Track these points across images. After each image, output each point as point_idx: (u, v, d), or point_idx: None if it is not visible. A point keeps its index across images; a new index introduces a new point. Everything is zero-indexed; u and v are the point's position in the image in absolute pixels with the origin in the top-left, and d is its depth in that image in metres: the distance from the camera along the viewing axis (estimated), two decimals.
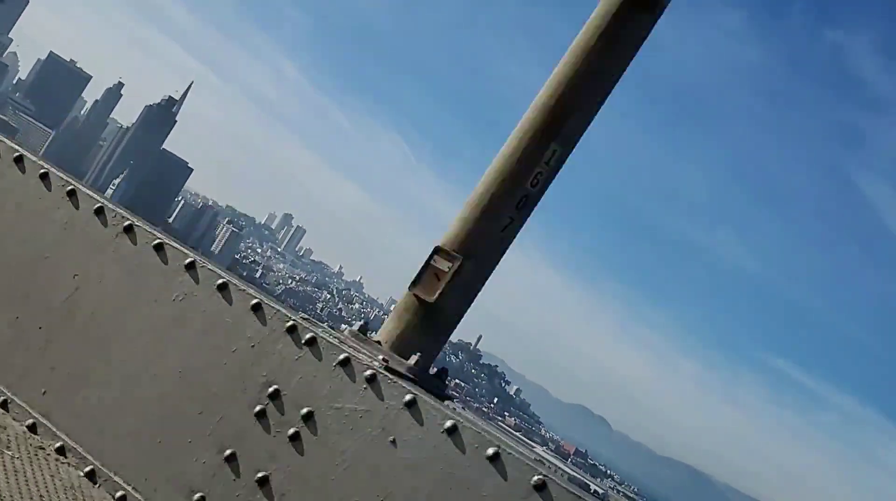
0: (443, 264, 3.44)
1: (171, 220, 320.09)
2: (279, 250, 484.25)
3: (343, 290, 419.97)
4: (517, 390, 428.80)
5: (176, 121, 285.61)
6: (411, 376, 2.92)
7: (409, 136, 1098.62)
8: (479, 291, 3.48)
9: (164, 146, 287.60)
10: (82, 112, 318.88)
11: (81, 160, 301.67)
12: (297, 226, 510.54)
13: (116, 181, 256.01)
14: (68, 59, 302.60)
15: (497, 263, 3.51)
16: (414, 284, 3.66)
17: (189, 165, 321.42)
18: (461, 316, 3.54)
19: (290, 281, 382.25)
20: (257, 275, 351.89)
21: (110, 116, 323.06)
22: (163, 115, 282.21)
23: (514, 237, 3.55)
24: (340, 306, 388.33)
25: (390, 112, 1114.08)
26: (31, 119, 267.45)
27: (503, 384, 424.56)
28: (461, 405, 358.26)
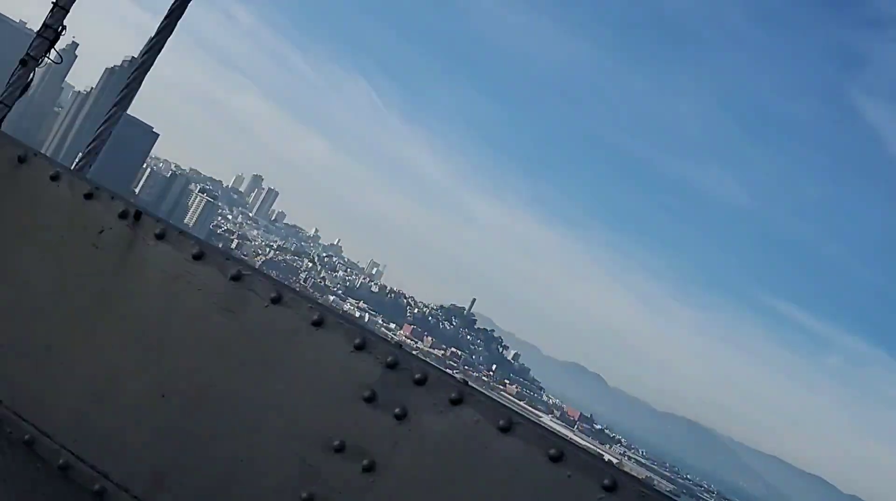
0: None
1: (137, 190, 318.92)
2: (251, 215, 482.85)
3: (324, 256, 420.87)
4: (515, 354, 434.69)
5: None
6: None
7: (375, 80, 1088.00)
8: None
9: (128, 111, 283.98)
10: (30, 77, 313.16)
11: (37, 130, 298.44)
12: (269, 188, 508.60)
13: (81, 154, 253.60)
14: (17, 21, 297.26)
15: None
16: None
17: (154, 129, 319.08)
18: None
19: (268, 251, 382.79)
20: (233, 246, 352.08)
21: (65, 80, 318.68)
22: (124, 76, 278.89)
23: None
24: (324, 274, 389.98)
25: (354, 55, 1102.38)
26: None
27: (500, 350, 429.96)
28: (461, 376, 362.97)
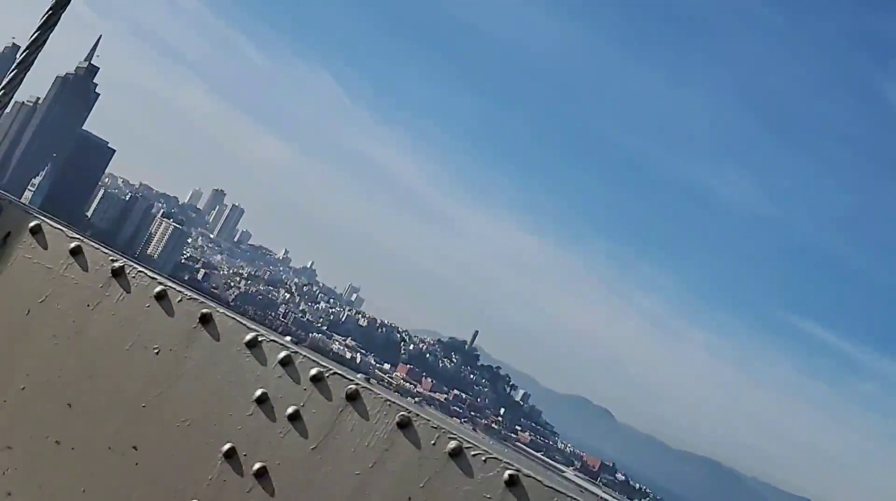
0: None
1: (89, 215, 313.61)
2: (212, 236, 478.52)
3: (303, 285, 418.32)
4: (524, 395, 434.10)
5: (98, 93, 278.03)
6: None
7: (340, 72, 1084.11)
8: None
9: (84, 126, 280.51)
10: None
11: None
12: (232, 204, 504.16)
13: (36, 181, 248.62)
14: None
15: None
16: None
17: (110, 145, 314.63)
18: None
19: (239, 281, 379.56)
20: (199, 277, 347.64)
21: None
22: (80, 86, 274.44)
23: None
24: (303, 306, 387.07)
25: (314, 43, 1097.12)
26: None
27: (508, 390, 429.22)
28: (470, 425, 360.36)
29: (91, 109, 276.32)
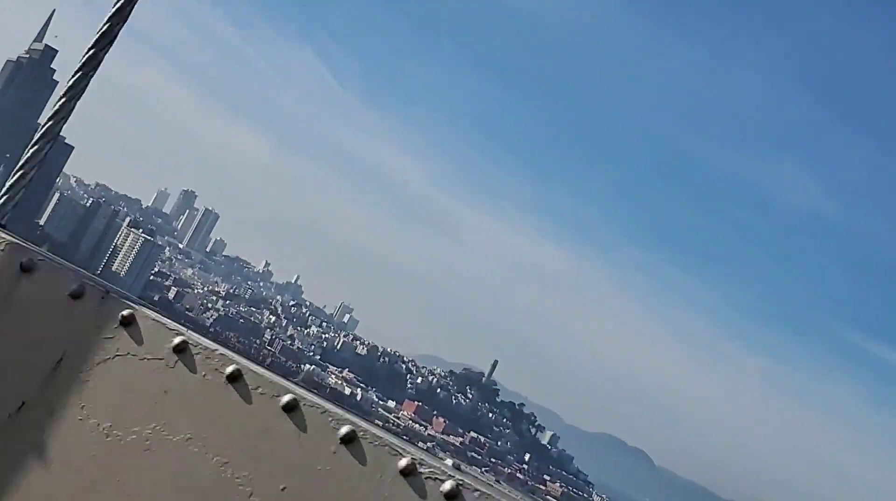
0: None
1: (42, 222, 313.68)
2: (181, 245, 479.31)
3: (290, 306, 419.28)
4: (552, 437, 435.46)
5: (56, 80, 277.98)
6: None
7: (326, 51, 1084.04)
8: None
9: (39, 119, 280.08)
10: None
11: None
12: (205, 209, 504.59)
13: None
14: None
15: None
16: None
17: (67, 141, 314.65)
18: None
19: (216, 302, 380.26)
20: (171, 296, 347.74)
21: None
22: (35, 71, 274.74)
23: None
24: (291, 331, 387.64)
25: (296, 17, 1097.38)
26: None
27: (533, 431, 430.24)
28: (493, 476, 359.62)
29: (48, 99, 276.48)
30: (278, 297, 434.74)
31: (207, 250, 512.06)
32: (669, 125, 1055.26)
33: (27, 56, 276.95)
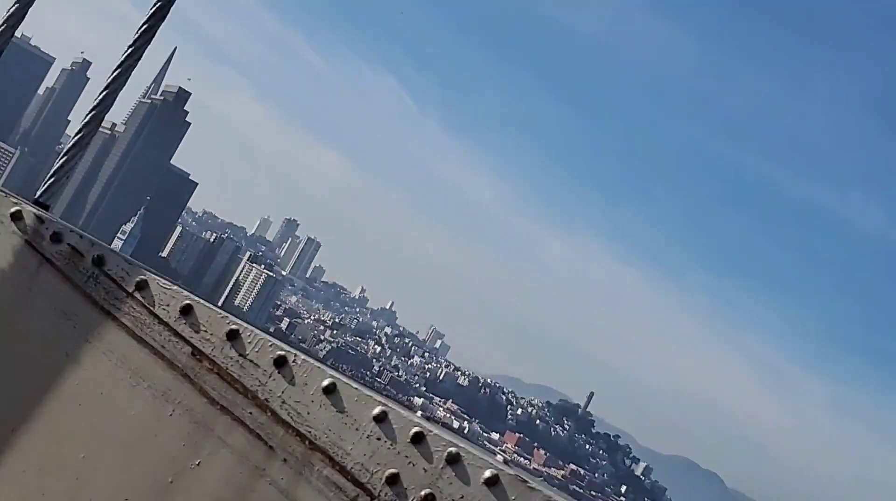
0: None
1: (165, 254, 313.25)
2: (283, 273, 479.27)
3: (394, 336, 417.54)
4: (646, 468, 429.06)
5: (189, 122, 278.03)
6: None
7: (407, 77, 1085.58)
8: None
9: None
10: (27, 110, 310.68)
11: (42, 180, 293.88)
12: (308, 238, 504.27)
13: (127, 227, 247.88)
14: (18, 35, 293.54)
15: None
16: None
17: (191, 177, 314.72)
18: None
19: (324, 330, 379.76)
20: (284, 326, 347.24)
21: (72, 112, 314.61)
22: (169, 114, 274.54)
23: None
24: (395, 361, 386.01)
25: (378, 45, 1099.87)
26: None
27: (628, 463, 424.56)
28: None
29: (181, 140, 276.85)
30: (387, 329, 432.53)
31: (307, 276, 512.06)
32: (742, 152, 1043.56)
33: (161, 98, 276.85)
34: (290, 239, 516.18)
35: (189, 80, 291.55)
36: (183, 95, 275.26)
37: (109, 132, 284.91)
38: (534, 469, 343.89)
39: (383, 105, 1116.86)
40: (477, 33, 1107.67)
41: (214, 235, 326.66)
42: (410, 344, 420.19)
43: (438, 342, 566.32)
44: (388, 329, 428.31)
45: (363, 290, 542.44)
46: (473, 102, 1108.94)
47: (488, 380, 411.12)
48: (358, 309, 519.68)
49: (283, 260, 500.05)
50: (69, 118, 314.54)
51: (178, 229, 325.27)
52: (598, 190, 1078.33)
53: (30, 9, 3.60)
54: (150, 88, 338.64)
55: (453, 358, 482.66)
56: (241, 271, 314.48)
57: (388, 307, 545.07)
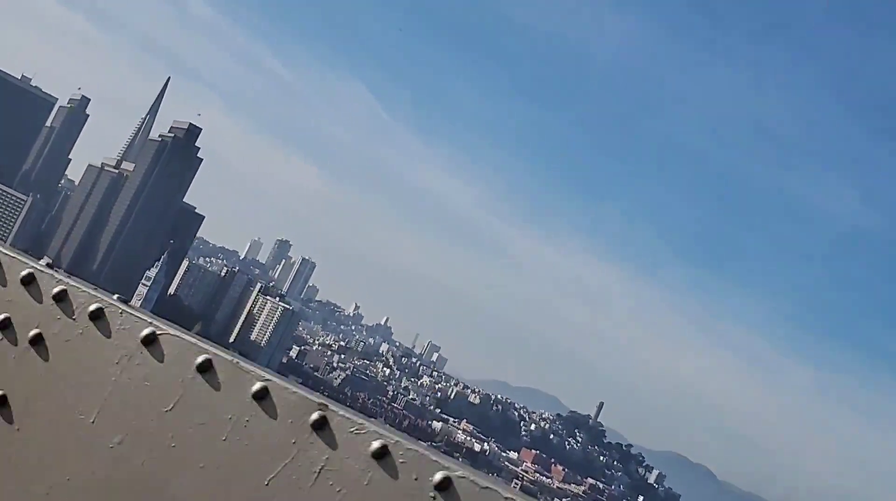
0: None
1: (172, 290, 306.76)
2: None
3: (401, 357, 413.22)
4: (659, 476, 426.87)
5: (200, 159, 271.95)
6: None
7: (375, 83, 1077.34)
8: None
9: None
10: (31, 151, 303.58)
11: (52, 226, 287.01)
12: (302, 258, 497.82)
13: (151, 273, 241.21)
14: (20, 77, 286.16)
15: None
16: None
17: (197, 210, 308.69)
18: None
19: (332, 356, 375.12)
20: (294, 355, 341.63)
21: (72, 151, 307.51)
22: (181, 152, 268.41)
23: None
24: (405, 383, 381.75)
25: (345, 52, 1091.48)
26: None
27: (642, 472, 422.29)
28: None
29: (194, 177, 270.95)
30: (387, 348, 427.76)
31: (301, 297, 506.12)
32: (710, 144, 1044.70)
33: (171, 135, 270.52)
34: (283, 261, 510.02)
35: (199, 115, 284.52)
36: (194, 131, 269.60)
37: (117, 172, 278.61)
38: (557, 487, 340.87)
39: (352, 112, 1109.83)
40: (443, 36, 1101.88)
41: (226, 268, 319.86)
42: (418, 364, 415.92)
43: (435, 355, 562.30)
44: (388, 348, 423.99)
45: (357, 307, 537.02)
46: (444, 105, 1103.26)
47: (500, 396, 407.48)
48: (354, 327, 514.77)
49: (278, 282, 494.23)
50: (70, 157, 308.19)
51: (186, 262, 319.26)
52: (570, 188, 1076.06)
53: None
54: (145, 119, 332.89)
55: (450, 371, 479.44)
56: (253, 303, 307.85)
57: (383, 323, 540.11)
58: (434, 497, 2.35)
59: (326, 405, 2.53)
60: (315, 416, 2.52)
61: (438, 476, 2.36)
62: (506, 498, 2.27)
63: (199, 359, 2.69)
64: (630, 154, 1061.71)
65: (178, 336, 2.75)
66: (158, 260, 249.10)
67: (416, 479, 2.38)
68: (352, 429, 2.48)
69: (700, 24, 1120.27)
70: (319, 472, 2.49)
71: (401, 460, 2.42)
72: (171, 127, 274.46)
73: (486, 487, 2.32)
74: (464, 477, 2.34)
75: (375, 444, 2.45)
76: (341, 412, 2.53)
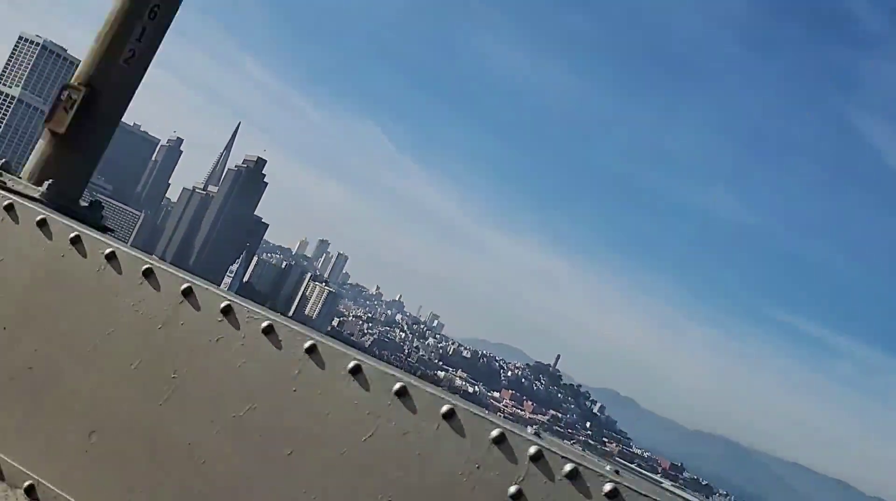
0: (70, 98, 3.75)
1: (246, 279, 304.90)
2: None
3: (413, 324, 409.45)
4: (601, 407, 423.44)
5: (266, 183, 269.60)
6: (43, 199, 3.26)
7: (386, 125, 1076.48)
8: (117, 120, 3.79)
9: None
10: (141, 179, 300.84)
11: (157, 233, 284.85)
12: (338, 253, 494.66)
13: (234, 267, 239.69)
14: (131, 124, 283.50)
15: (130, 94, 3.78)
16: (48, 119, 3.91)
17: (263, 220, 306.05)
18: (102, 146, 3.80)
19: (362, 324, 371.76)
20: (336, 324, 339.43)
21: (171, 177, 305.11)
22: (252, 177, 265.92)
23: (144, 69, 3.81)
24: (416, 343, 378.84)
25: (362, 101, 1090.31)
26: (113, 201, 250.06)
27: (589, 405, 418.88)
28: (579, 446, 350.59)
29: (261, 198, 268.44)
30: (400, 317, 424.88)
31: (339, 282, 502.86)
32: (631, 165, 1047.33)
33: (244, 166, 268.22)
34: (324, 254, 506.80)
35: (265, 150, 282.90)
36: (261, 163, 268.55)
37: (205, 193, 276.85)
38: (528, 418, 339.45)
39: (370, 148, 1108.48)
40: (437, 90, 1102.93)
41: (285, 262, 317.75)
42: (424, 329, 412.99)
43: (436, 321, 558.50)
44: (402, 317, 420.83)
45: (378, 288, 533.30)
46: (436, 140, 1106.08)
47: (485, 351, 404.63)
48: (376, 302, 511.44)
49: (321, 271, 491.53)
50: (169, 182, 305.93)
51: (255, 258, 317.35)
52: (535, 202, 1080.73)
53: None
54: (222, 154, 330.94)
55: (447, 333, 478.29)
56: (306, 288, 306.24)
57: (397, 299, 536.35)
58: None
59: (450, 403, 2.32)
60: (444, 408, 2.33)
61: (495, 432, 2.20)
62: (533, 442, 2.09)
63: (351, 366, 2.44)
64: (570, 174, 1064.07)
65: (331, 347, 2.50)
66: (238, 258, 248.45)
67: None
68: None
69: (620, 79, 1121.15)
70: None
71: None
72: (244, 159, 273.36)
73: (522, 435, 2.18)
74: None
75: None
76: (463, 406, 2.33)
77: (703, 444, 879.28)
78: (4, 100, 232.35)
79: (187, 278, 2.74)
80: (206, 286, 2.74)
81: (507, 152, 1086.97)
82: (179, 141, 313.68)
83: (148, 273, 2.77)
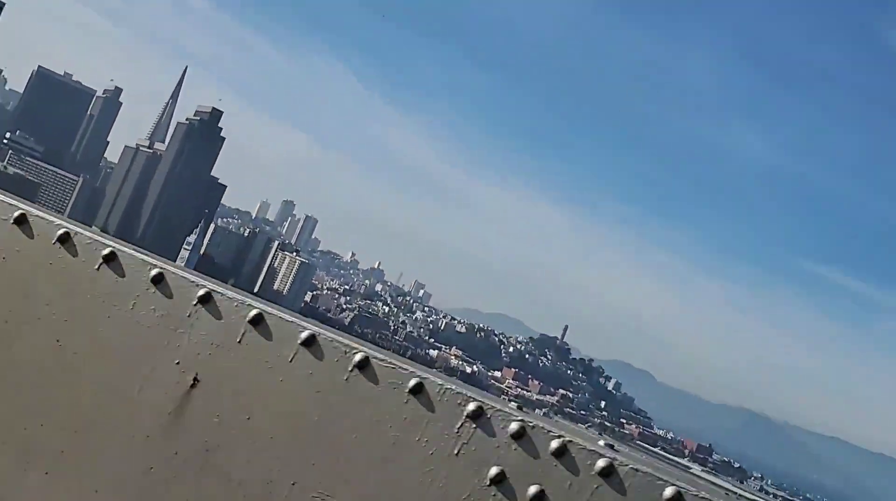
0: None
1: (203, 250, 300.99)
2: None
3: (396, 295, 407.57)
4: (616, 383, 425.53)
5: (223, 138, 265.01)
6: None
7: (351, 60, 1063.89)
8: None
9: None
10: (75, 137, 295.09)
11: (97, 199, 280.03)
12: (305, 215, 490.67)
13: (191, 239, 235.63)
14: (62, 73, 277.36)
15: None
16: None
17: (220, 181, 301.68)
18: None
19: (339, 298, 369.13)
20: (308, 299, 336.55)
21: (110, 135, 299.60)
22: (206, 133, 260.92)
23: None
24: (402, 318, 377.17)
25: (324, 34, 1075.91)
26: (45, 165, 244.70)
27: (603, 381, 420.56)
28: (598, 434, 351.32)
29: (218, 154, 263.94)
30: (381, 288, 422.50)
31: (308, 249, 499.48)
32: (636, 99, 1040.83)
33: (197, 118, 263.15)
34: (289, 218, 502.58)
35: (220, 100, 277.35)
36: (216, 114, 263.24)
37: (151, 151, 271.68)
38: (535, 399, 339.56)
39: (336, 88, 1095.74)
40: (407, 17, 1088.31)
41: (246, 229, 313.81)
42: (411, 301, 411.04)
43: (421, 291, 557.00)
44: (383, 288, 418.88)
45: (353, 254, 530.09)
46: (411, 76, 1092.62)
47: (482, 326, 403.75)
48: (352, 271, 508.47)
49: (286, 237, 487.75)
50: (108, 140, 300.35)
51: (213, 226, 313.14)
52: (521, 144, 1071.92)
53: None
54: (167, 104, 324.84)
55: (435, 303, 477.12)
56: (274, 258, 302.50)
57: (376, 267, 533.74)
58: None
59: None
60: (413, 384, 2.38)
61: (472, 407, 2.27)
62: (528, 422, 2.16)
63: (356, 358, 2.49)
64: (573, 111, 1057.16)
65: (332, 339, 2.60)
66: (196, 227, 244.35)
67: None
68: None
69: (628, 7, 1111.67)
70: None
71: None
72: (196, 111, 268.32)
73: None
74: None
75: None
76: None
77: (726, 418, 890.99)
78: None
79: (157, 262, 2.78)
80: (177, 271, 2.79)
81: (493, 87, 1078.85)
82: (118, 91, 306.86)
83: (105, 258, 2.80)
